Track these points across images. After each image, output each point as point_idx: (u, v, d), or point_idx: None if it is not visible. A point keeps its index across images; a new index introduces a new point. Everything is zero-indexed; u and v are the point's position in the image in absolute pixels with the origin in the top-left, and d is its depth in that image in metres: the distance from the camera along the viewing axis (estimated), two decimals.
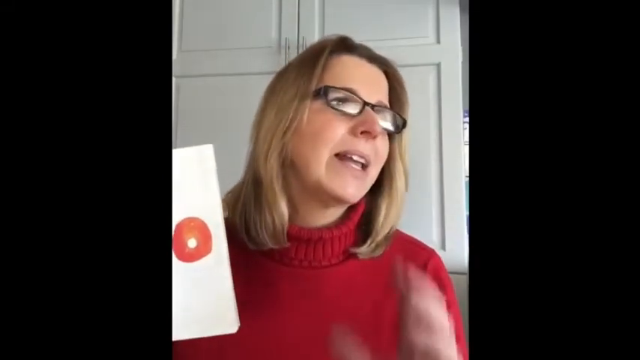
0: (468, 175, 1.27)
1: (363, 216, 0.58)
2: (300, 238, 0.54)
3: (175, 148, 0.39)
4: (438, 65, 1.31)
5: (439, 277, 0.58)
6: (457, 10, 1.33)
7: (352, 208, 0.57)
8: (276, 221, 0.53)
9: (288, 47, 1.36)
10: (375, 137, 0.53)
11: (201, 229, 0.39)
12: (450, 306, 0.56)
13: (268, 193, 0.53)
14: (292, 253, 0.55)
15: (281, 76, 0.58)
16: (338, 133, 0.52)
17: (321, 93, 0.53)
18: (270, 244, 0.54)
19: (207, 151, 0.40)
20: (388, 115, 0.56)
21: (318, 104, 0.53)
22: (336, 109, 0.52)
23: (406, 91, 0.59)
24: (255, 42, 1.42)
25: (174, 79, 1.46)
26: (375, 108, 0.54)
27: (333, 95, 0.53)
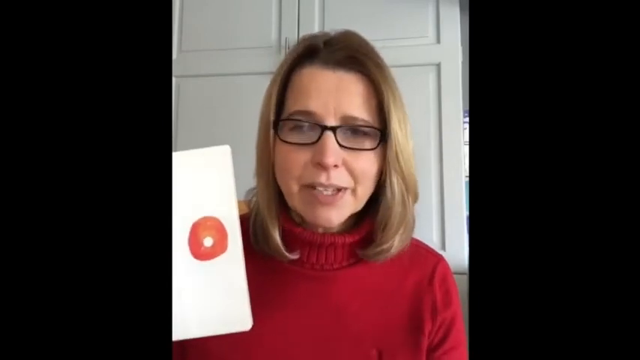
0: (467, 175, 1.27)
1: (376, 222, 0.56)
2: (311, 243, 0.54)
3: (175, 148, 0.39)
4: (438, 65, 1.31)
5: (446, 285, 0.58)
6: (457, 10, 1.33)
7: (367, 213, 0.56)
8: (273, 240, 0.53)
9: (288, 47, 1.36)
10: (336, 167, 0.48)
11: (217, 228, 0.39)
12: (454, 317, 0.57)
13: (264, 214, 0.54)
14: (304, 257, 0.55)
15: (266, 91, 0.56)
16: (298, 165, 0.50)
17: (277, 127, 0.51)
18: (275, 255, 0.54)
19: (224, 151, 0.41)
20: (362, 129, 0.50)
21: (277, 136, 0.51)
22: (291, 143, 0.50)
23: (391, 93, 0.52)
24: (255, 42, 1.42)
25: (174, 79, 1.46)
26: (338, 129, 0.49)
27: (287, 127, 0.51)
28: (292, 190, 0.51)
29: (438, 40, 1.33)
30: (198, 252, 0.39)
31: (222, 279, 0.39)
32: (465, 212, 1.25)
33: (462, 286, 1.14)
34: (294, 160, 0.50)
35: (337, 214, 0.51)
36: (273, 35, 1.42)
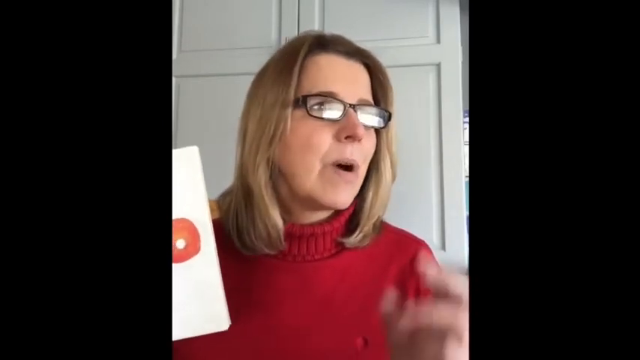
0: (468, 175, 1.27)
1: (354, 208, 0.58)
2: (292, 235, 0.55)
3: (175, 148, 0.39)
4: (438, 65, 1.31)
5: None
6: (457, 10, 1.33)
7: None
8: (271, 230, 0.53)
9: None
10: (360, 140, 0.52)
11: (189, 229, 0.39)
12: None
13: (260, 203, 0.53)
14: (285, 250, 0.55)
15: (260, 79, 0.57)
16: (325, 141, 0.51)
17: (300, 102, 0.52)
18: (266, 251, 0.54)
19: (193, 152, 0.40)
20: (372, 110, 0.55)
21: (300, 113, 0.52)
22: (318, 118, 0.51)
23: (389, 81, 0.58)
24: (255, 42, 1.42)
25: (174, 79, 1.46)
26: (357, 107, 0.53)
27: (312, 103, 0.52)
28: (313, 169, 0.52)
29: (438, 40, 1.33)
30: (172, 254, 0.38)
31: (196, 280, 0.39)
32: (465, 212, 1.25)
33: None
34: (321, 136, 0.51)
35: (351, 194, 0.54)
36: (273, 35, 1.42)
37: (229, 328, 0.41)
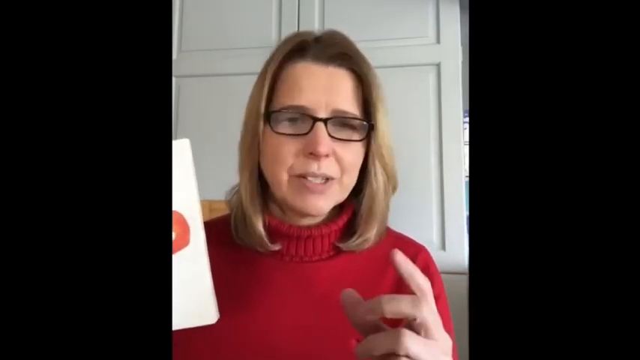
0: (468, 175, 1.27)
1: (353, 213, 0.59)
2: (289, 235, 0.56)
3: None
4: (438, 65, 1.31)
5: (427, 271, 0.59)
6: (457, 10, 1.33)
7: (343, 206, 0.58)
8: (256, 231, 0.55)
9: None
10: (326, 156, 0.51)
11: (179, 222, 0.40)
12: (437, 299, 0.58)
13: (247, 205, 0.55)
14: (283, 250, 0.56)
15: (254, 84, 0.58)
16: (289, 156, 0.52)
17: (267, 118, 0.53)
18: (257, 248, 0.56)
19: (184, 145, 0.40)
20: (350, 122, 0.53)
21: (269, 127, 0.53)
22: (283, 134, 0.52)
23: (378, 88, 0.55)
24: (255, 42, 1.42)
25: (174, 79, 1.46)
26: (330, 120, 0.52)
27: (279, 119, 0.52)
28: (282, 179, 0.53)
29: (438, 40, 1.33)
30: None
31: (185, 273, 0.39)
32: (465, 212, 1.25)
33: (462, 286, 1.14)
34: (286, 151, 0.52)
35: (325, 202, 0.53)
36: (273, 35, 1.42)
37: (219, 322, 0.41)
